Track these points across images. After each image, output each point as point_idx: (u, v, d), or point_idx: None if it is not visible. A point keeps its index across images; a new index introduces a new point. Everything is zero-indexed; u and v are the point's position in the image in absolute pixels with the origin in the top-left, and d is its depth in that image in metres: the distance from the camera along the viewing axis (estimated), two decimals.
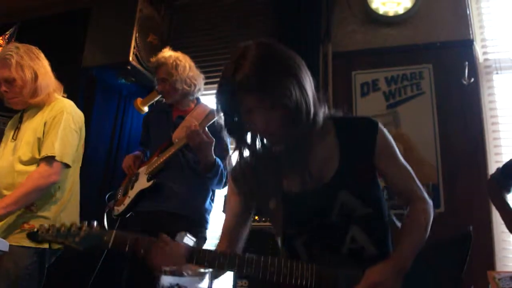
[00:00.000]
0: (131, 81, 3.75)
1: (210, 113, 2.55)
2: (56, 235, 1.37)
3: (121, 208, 2.60)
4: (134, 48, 3.60)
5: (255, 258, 1.31)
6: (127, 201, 2.62)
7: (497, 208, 2.43)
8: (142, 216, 2.57)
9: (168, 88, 2.74)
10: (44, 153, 2.15)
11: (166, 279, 0.80)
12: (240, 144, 1.45)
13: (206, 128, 2.44)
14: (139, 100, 3.65)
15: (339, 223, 1.39)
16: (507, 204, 2.41)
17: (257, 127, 1.34)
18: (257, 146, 1.45)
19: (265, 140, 1.46)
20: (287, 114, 1.30)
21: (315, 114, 1.35)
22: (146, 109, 3.71)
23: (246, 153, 1.46)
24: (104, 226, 1.36)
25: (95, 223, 1.37)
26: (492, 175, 2.54)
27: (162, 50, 2.82)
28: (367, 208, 1.40)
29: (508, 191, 2.46)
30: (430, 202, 1.46)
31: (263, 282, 1.30)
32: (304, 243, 1.42)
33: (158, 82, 2.79)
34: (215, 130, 2.55)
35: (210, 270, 1.37)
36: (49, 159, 2.15)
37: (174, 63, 2.71)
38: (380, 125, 1.47)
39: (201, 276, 1.40)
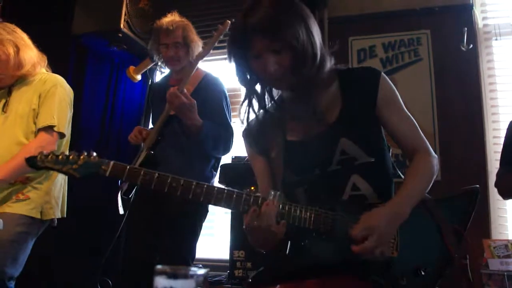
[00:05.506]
0: (123, 49, 3.65)
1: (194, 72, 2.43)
2: (55, 161, 1.36)
3: (125, 187, 2.47)
4: (125, 14, 3.48)
5: (253, 198, 1.32)
6: None
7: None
8: (144, 191, 2.46)
9: (181, 53, 2.56)
10: (43, 123, 2.16)
11: (160, 282, 0.78)
12: (250, 94, 1.47)
13: (185, 90, 2.32)
14: (131, 68, 3.58)
15: (340, 171, 1.40)
16: None
17: (265, 72, 1.36)
18: (266, 98, 1.49)
19: (273, 91, 1.49)
20: (294, 57, 1.34)
21: (322, 59, 1.38)
22: (139, 77, 3.64)
23: (255, 106, 1.49)
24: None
25: (94, 153, 1.37)
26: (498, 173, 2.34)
27: (168, 14, 2.62)
28: (369, 157, 1.40)
29: None
30: (435, 155, 1.45)
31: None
32: (305, 191, 1.43)
33: (168, 47, 2.56)
34: (206, 90, 2.49)
35: None
36: (48, 129, 2.15)
37: (188, 27, 2.58)
38: (383, 74, 1.47)
39: None
